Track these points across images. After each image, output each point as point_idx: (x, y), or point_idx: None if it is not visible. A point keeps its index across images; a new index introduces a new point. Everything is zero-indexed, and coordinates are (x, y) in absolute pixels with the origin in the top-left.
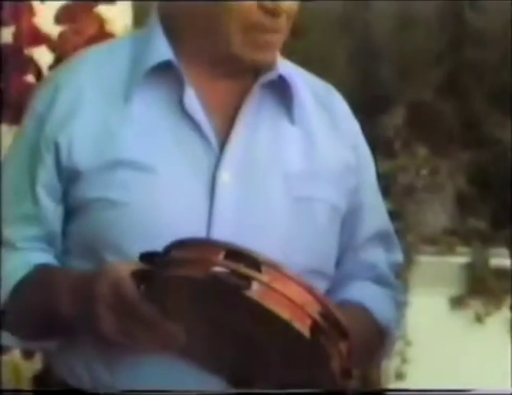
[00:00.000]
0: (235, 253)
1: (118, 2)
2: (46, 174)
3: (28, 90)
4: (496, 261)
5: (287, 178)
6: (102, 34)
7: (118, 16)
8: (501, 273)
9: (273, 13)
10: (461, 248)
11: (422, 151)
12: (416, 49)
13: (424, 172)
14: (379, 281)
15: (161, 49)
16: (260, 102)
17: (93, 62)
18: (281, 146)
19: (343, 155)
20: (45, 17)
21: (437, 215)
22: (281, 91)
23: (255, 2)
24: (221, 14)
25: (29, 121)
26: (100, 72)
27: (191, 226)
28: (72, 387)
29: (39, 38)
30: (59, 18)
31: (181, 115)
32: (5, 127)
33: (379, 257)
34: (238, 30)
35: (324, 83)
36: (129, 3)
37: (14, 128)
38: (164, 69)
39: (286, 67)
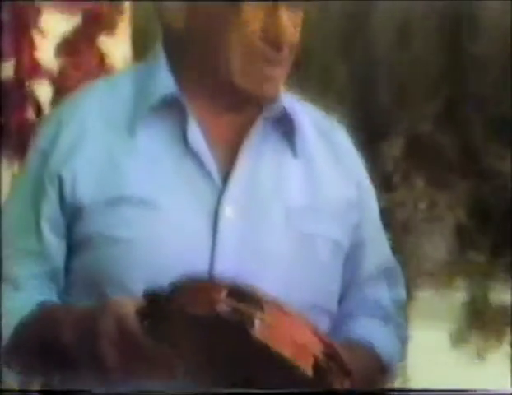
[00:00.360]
0: (238, 292)
1: (117, 34)
2: (50, 209)
3: (28, 125)
4: (496, 294)
5: (290, 214)
6: (102, 67)
7: (117, 49)
8: (501, 307)
9: (276, 45)
10: (460, 282)
11: (421, 183)
12: (414, 79)
13: (422, 205)
14: (383, 317)
15: (165, 82)
16: (263, 136)
17: (96, 96)
18: (283, 181)
19: (346, 190)
20: (46, 51)
21: (436, 248)
22: (285, 125)
23: (257, 33)
24: (222, 42)
25: (32, 156)
26: (104, 106)
27: (194, 261)
28: None
29: (39, 72)
30: (59, 51)
31: (184, 149)
32: (5, 162)
33: (383, 293)
34: (239, 59)
35: (328, 117)
36: (128, 35)
37: (14, 163)
38: (168, 102)
39: (289, 100)
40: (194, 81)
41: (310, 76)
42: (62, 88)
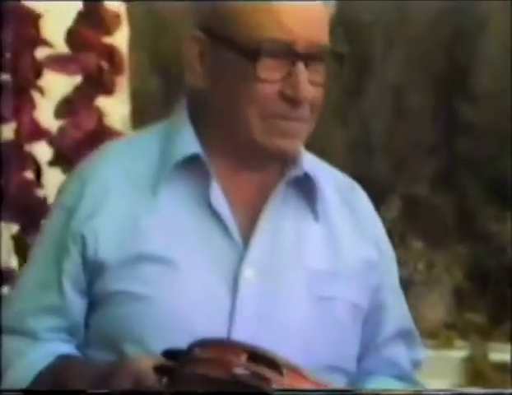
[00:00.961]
0: (257, 356)
1: (116, 94)
2: (72, 267)
3: (27, 187)
4: (495, 355)
5: (310, 277)
6: (101, 127)
7: (115, 108)
8: (501, 367)
9: (294, 102)
10: (459, 342)
11: (418, 244)
12: (410, 142)
13: (421, 266)
14: (401, 377)
15: (189, 142)
16: (285, 198)
17: (120, 154)
18: (304, 244)
19: (366, 253)
20: (45, 111)
21: (435, 309)
22: (306, 188)
23: (276, 90)
24: (242, 101)
25: (56, 214)
26: (127, 165)
27: (213, 322)
28: None
29: (39, 133)
30: (59, 112)
31: (206, 210)
32: (4, 224)
33: (401, 354)
34: (258, 117)
35: (348, 179)
36: (126, 94)
37: (13, 225)
38: (191, 162)
39: (310, 162)
40: (216, 140)
41: (307, 143)
42: (62, 149)
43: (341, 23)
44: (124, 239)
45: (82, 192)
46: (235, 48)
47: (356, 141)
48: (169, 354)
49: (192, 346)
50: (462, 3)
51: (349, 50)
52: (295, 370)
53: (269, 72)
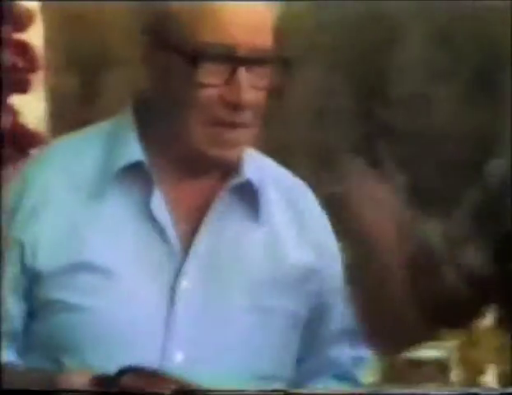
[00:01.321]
0: (185, 391)
1: (32, 92)
2: (12, 272)
3: None
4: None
5: (249, 286)
6: (16, 126)
7: (31, 107)
8: (415, 364)
9: (235, 107)
10: None
11: None
12: (331, 144)
13: None
14: (345, 378)
15: (133, 148)
16: (228, 207)
17: (62, 156)
18: (246, 253)
19: (307, 259)
20: None
21: None
22: (249, 195)
23: (217, 95)
24: (183, 106)
25: (1, 215)
26: (69, 168)
27: (148, 333)
28: None
29: None
30: None
31: (147, 218)
32: None
33: (345, 354)
34: (199, 123)
35: (296, 180)
36: (43, 93)
37: None
38: (134, 168)
39: (255, 167)
40: (160, 146)
41: None
42: None
43: None
44: (63, 246)
45: (23, 193)
46: (176, 51)
47: (278, 143)
48: (97, 379)
49: (120, 372)
50: (379, 14)
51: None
52: None
53: (210, 76)
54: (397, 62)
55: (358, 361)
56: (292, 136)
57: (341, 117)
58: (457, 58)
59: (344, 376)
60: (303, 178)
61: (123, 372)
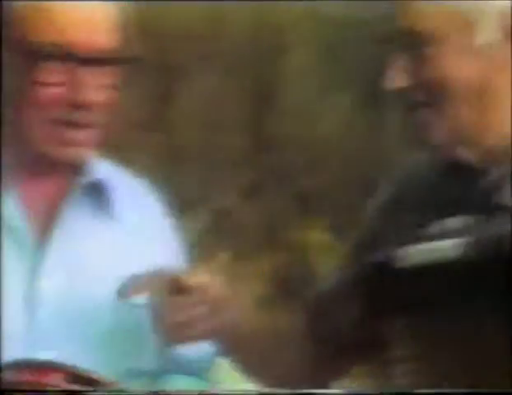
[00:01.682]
0: (74, 375)
1: None
2: None
3: None
4: None
5: (109, 283)
6: None
7: None
8: None
9: (77, 106)
10: None
11: (224, 256)
12: (220, 154)
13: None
14: (197, 375)
15: None
16: (79, 206)
17: None
18: (101, 250)
19: (153, 256)
20: None
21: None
22: (100, 195)
23: (58, 95)
24: (24, 106)
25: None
26: None
27: (12, 339)
28: None
29: None
30: None
31: (1, 222)
32: None
33: (197, 352)
34: (41, 123)
35: (143, 184)
36: None
37: None
38: None
39: (104, 168)
40: (10, 147)
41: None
42: None
43: (148, 32)
44: None
45: None
46: (17, 50)
47: (166, 150)
48: None
49: (5, 368)
50: (269, 26)
51: (159, 58)
52: (109, 384)
53: (50, 75)
54: (286, 72)
55: (211, 360)
56: (180, 141)
57: (230, 125)
58: (346, 68)
59: (198, 374)
60: (189, 187)
61: (7, 367)
